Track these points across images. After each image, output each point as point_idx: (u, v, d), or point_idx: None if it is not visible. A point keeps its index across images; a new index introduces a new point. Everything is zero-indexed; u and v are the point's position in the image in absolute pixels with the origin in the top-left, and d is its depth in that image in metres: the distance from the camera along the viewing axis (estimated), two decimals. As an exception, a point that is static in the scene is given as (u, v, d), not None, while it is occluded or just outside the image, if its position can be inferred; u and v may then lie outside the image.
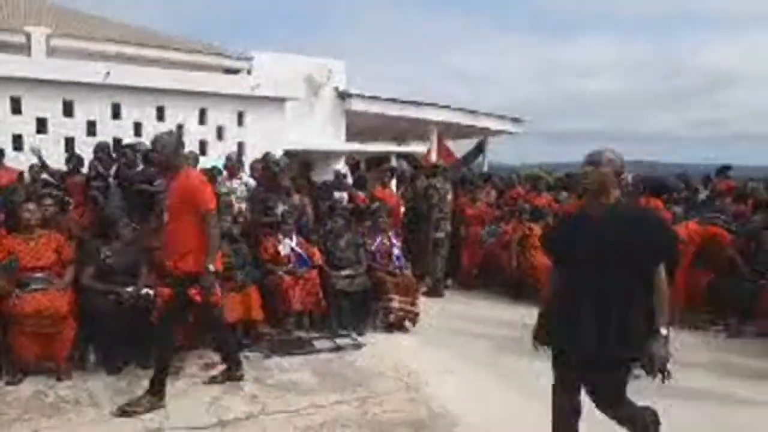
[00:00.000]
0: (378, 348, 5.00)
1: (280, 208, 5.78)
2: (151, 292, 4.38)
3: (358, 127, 12.85)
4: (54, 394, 3.84)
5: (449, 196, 7.23)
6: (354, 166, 11.80)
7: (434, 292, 7.07)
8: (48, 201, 4.93)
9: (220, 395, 3.88)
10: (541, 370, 4.43)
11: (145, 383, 3.89)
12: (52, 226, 4.70)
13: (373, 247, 5.87)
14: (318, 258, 5.51)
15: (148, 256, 4.68)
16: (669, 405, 3.89)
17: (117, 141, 7.98)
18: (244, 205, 6.12)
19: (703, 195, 8.36)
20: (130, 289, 4.35)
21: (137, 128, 8.73)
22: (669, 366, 2.49)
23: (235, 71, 11.77)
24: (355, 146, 12.58)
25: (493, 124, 14.92)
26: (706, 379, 4.42)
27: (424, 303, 6.35)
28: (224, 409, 3.67)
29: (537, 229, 6.91)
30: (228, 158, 6.74)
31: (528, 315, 6.06)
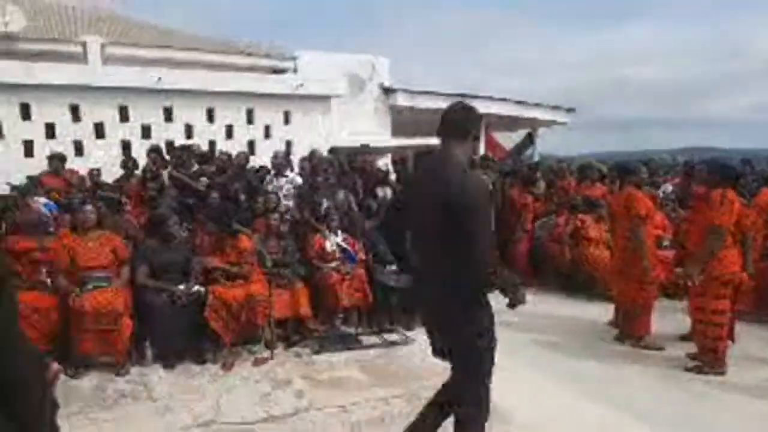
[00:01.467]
0: (426, 343, 4.92)
1: (325, 205, 5.80)
2: (202, 289, 4.48)
3: (404, 123, 12.80)
4: (113, 388, 3.98)
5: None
6: (401, 162, 11.74)
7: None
8: (99, 204, 5.08)
9: (270, 391, 3.93)
10: (597, 369, 4.32)
11: (199, 378, 4.01)
12: (109, 227, 4.87)
13: (419, 242, 5.80)
14: (362, 254, 5.50)
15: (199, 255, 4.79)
16: (736, 402, 3.70)
17: (169, 143, 8.24)
18: (291, 203, 6.18)
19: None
20: (182, 286, 4.45)
21: (188, 130, 8.99)
22: None
23: (282, 71, 11.93)
24: (402, 141, 12.54)
25: (542, 115, 14.60)
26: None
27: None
28: (273, 404, 3.71)
29: (589, 221, 6.70)
30: (275, 156, 6.82)
31: (582, 310, 5.94)
